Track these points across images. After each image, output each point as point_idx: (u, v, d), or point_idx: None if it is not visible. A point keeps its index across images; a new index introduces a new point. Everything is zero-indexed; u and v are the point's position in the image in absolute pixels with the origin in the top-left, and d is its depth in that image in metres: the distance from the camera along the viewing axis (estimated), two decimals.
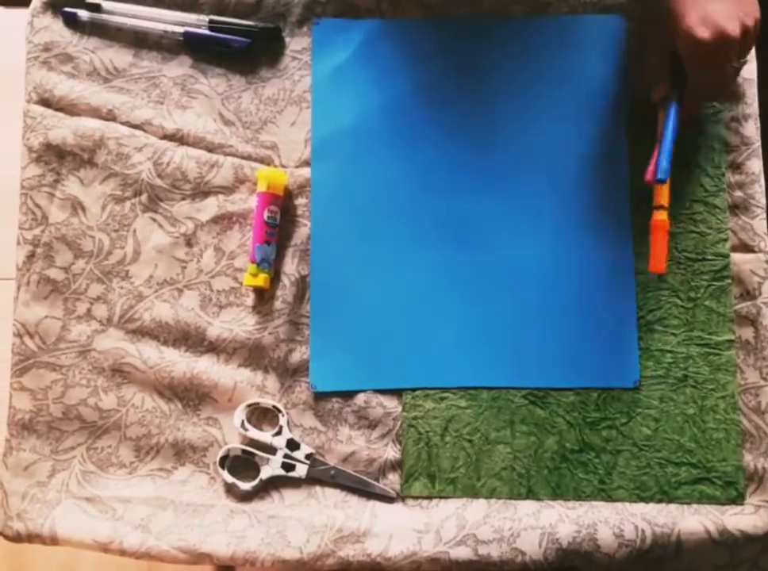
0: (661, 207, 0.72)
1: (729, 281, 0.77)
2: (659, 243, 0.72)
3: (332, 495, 0.76)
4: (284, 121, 0.81)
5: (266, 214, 0.77)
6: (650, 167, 0.73)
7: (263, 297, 0.79)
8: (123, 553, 0.74)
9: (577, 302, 0.78)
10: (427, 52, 0.81)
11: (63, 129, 0.80)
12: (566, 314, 0.77)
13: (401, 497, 0.76)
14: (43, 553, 1.12)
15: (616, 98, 0.80)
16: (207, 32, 0.81)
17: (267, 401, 0.77)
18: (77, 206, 0.80)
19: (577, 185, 0.79)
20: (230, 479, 0.75)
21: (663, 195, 0.72)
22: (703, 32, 0.68)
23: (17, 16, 0.92)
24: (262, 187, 0.77)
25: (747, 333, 0.77)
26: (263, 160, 0.80)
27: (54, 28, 0.82)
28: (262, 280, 0.77)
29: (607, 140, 0.79)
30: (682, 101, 0.74)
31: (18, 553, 1.31)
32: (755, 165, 0.78)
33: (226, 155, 0.80)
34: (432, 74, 0.81)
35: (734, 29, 0.68)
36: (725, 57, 0.70)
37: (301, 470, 0.76)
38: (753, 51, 0.80)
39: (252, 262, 0.77)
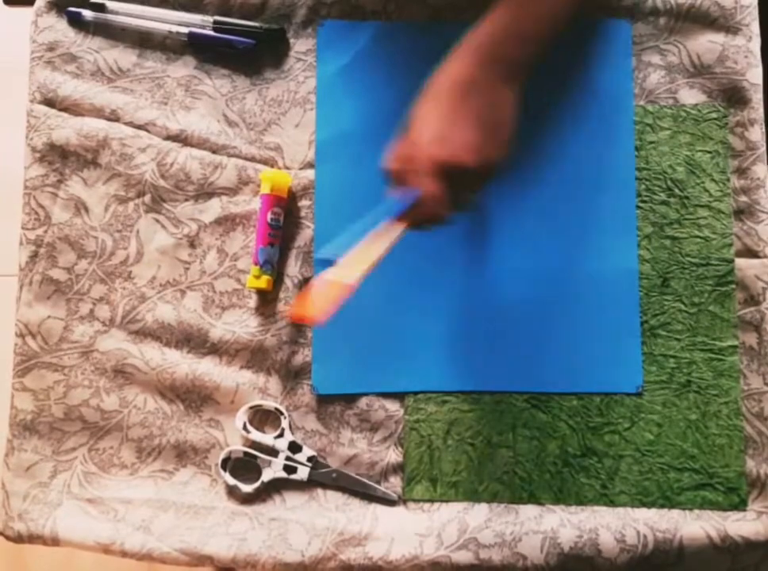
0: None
1: (733, 286, 0.77)
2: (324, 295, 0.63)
3: (334, 498, 0.76)
4: (288, 123, 0.81)
5: (269, 216, 0.77)
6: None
7: (266, 299, 0.78)
8: (124, 554, 0.74)
9: (580, 307, 0.77)
10: (432, 55, 0.80)
11: (67, 129, 0.80)
12: (569, 319, 0.77)
13: (402, 501, 0.76)
14: (42, 552, 1.12)
15: (622, 102, 0.80)
16: (211, 32, 0.81)
17: (270, 403, 0.77)
18: (80, 206, 0.80)
19: (581, 189, 0.79)
20: (232, 481, 0.75)
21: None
22: (436, 151, 0.65)
23: (22, 15, 0.92)
24: (265, 189, 0.77)
25: (751, 339, 0.76)
26: (266, 162, 0.80)
27: (58, 28, 0.82)
28: (264, 282, 0.77)
29: (613, 144, 0.79)
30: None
31: (18, 553, 1.32)
32: (760, 170, 0.78)
33: (230, 156, 0.80)
34: None
35: (471, 160, 0.65)
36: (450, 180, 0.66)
37: (302, 473, 0.76)
38: (758, 55, 0.80)
39: (255, 264, 0.77)
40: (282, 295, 0.78)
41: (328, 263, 0.65)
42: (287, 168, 0.80)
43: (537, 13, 0.70)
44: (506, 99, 0.68)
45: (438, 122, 0.67)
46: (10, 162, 1.09)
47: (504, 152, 0.68)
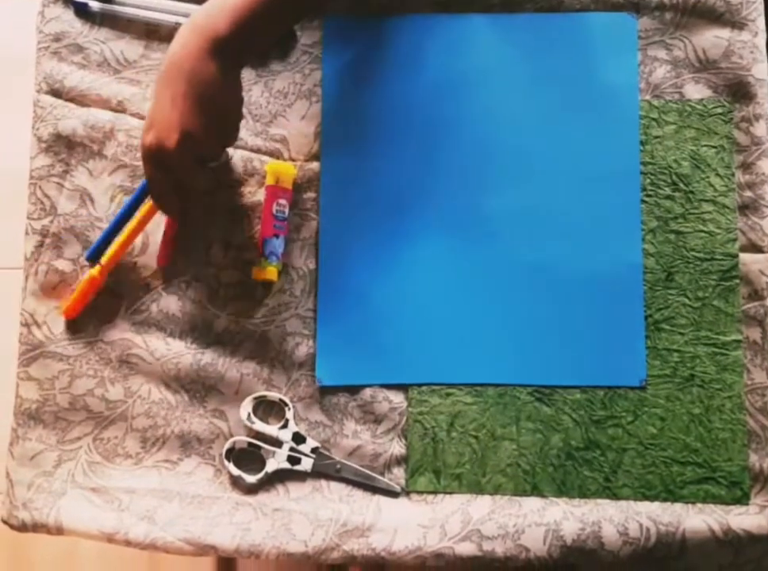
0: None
1: (737, 281, 0.77)
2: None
3: (337, 489, 0.76)
4: (294, 115, 0.81)
5: (274, 207, 0.77)
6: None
7: (271, 290, 0.79)
8: (128, 543, 0.74)
9: (584, 300, 0.78)
10: (437, 48, 0.81)
11: (73, 120, 0.80)
12: (573, 312, 0.77)
13: (406, 492, 0.76)
14: (44, 542, 1.13)
15: (628, 97, 0.80)
16: None
17: (274, 394, 0.77)
18: (85, 197, 0.80)
19: (586, 183, 0.79)
20: (236, 471, 0.76)
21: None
22: (144, 137, 0.69)
23: (28, 5, 0.92)
24: (270, 180, 0.77)
25: (755, 333, 0.77)
26: (272, 153, 0.80)
27: (65, 19, 0.82)
28: (270, 273, 0.77)
29: (617, 137, 0.79)
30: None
31: (19, 542, 1.32)
32: (765, 165, 0.78)
33: (235, 148, 0.80)
34: (442, 69, 0.81)
35: (172, 141, 0.67)
36: (162, 164, 0.69)
37: (306, 464, 0.76)
38: (763, 50, 0.80)
39: (261, 255, 0.77)
40: (287, 286, 0.78)
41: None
42: (293, 160, 0.80)
43: None
44: (213, 76, 0.68)
45: (152, 108, 0.69)
46: (15, 154, 1.09)
47: (222, 128, 0.71)
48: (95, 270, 0.77)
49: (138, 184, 0.79)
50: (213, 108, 0.69)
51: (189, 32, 0.68)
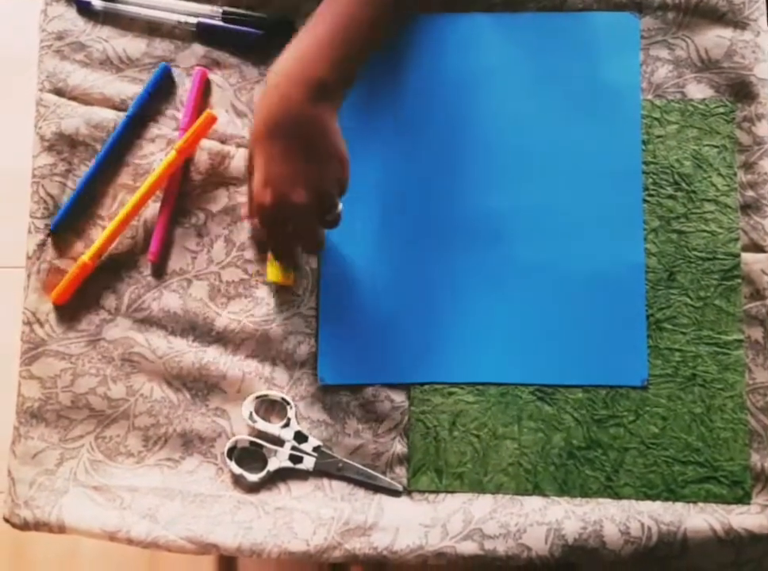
0: None
1: (739, 280, 0.77)
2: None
3: (339, 488, 0.76)
4: None
5: None
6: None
7: (272, 289, 0.79)
8: (130, 542, 0.74)
9: (586, 299, 0.78)
10: (439, 47, 0.81)
11: (76, 118, 0.80)
12: (575, 311, 0.78)
13: (407, 491, 0.76)
14: (45, 541, 1.13)
15: (630, 96, 0.80)
16: (220, 23, 0.81)
17: (276, 393, 0.77)
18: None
19: (588, 183, 0.79)
20: (237, 470, 0.76)
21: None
22: (263, 196, 0.67)
23: (31, 4, 0.92)
24: None
25: (756, 333, 0.77)
26: None
27: (67, 17, 0.82)
28: (287, 278, 0.77)
29: (620, 138, 0.79)
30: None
31: (20, 541, 1.32)
32: (767, 165, 0.78)
33: (238, 146, 0.80)
34: (445, 68, 0.81)
35: (299, 195, 0.66)
36: (288, 220, 0.69)
37: (308, 463, 0.76)
38: (765, 50, 0.80)
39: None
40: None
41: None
42: None
43: (345, 29, 0.68)
44: (322, 124, 0.67)
45: (261, 167, 0.67)
46: (16, 154, 1.09)
47: (338, 174, 0.68)
48: (86, 256, 0.77)
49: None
50: (327, 155, 0.67)
51: (286, 85, 0.66)
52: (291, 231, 0.70)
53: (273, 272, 0.77)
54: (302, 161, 0.66)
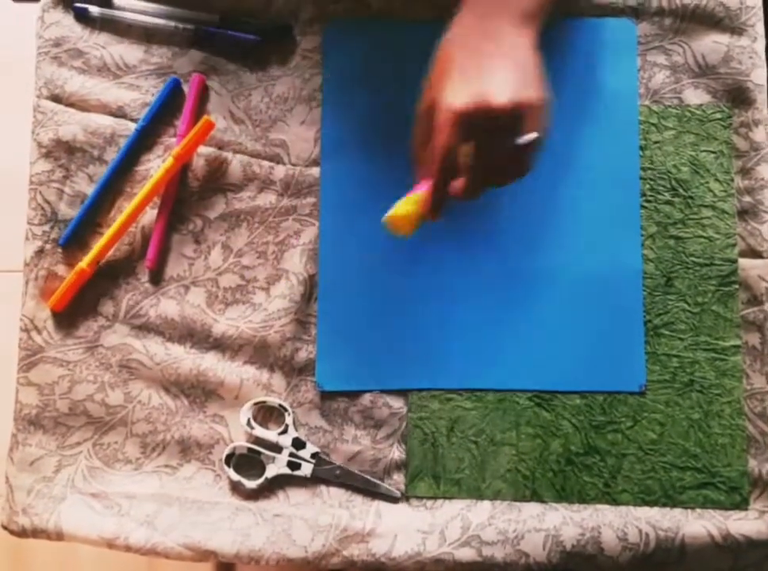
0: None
1: (736, 286, 0.77)
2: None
3: (337, 494, 0.76)
4: (294, 120, 0.81)
5: None
6: None
7: (269, 296, 0.79)
8: (128, 549, 0.74)
9: (584, 305, 0.78)
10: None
11: (74, 125, 0.80)
12: (572, 317, 0.78)
13: (405, 497, 0.76)
14: (43, 547, 1.13)
15: (627, 102, 0.80)
16: (218, 29, 0.81)
17: (273, 400, 0.77)
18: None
19: (585, 188, 0.79)
20: (235, 477, 0.76)
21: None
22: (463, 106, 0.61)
23: (28, 10, 0.92)
24: None
25: (754, 339, 0.77)
26: (272, 158, 0.80)
27: (65, 24, 0.82)
28: (413, 225, 0.69)
29: (617, 144, 0.79)
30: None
31: (19, 547, 1.32)
32: (764, 170, 0.78)
33: (235, 152, 0.80)
34: None
35: (501, 105, 0.60)
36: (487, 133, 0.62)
37: (306, 469, 0.76)
38: (762, 55, 0.80)
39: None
40: (286, 291, 0.78)
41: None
42: (293, 165, 0.80)
43: None
44: (523, 43, 0.65)
45: (456, 74, 0.63)
46: (16, 156, 1.09)
47: (540, 93, 0.63)
48: (84, 263, 0.77)
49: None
50: (532, 72, 0.64)
51: (493, 11, 0.65)
52: (488, 152, 0.64)
53: (404, 214, 0.69)
54: (501, 69, 0.63)
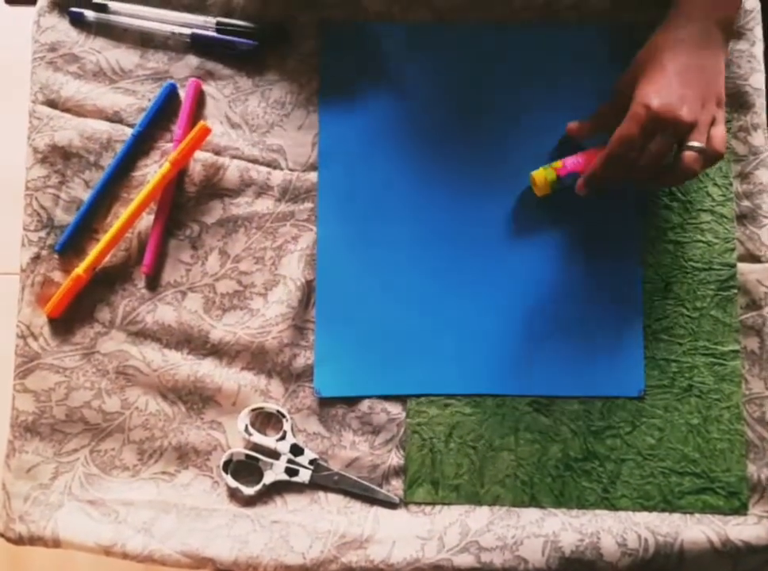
0: None
1: (735, 291, 0.77)
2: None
3: (336, 500, 0.76)
4: (291, 125, 0.80)
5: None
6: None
7: (267, 301, 0.78)
8: (125, 556, 0.74)
9: (583, 310, 0.77)
10: (436, 58, 0.81)
11: (70, 131, 0.80)
12: (571, 322, 0.77)
13: (404, 503, 0.76)
14: (41, 553, 1.12)
15: None
16: (214, 34, 0.81)
17: (271, 406, 0.77)
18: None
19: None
20: (233, 483, 0.75)
21: None
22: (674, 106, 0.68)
23: (24, 15, 0.91)
24: None
25: (753, 343, 0.77)
26: (269, 163, 0.80)
27: (60, 28, 0.82)
28: (548, 188, 0.77)
29: None
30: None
31: (17, 553, 1.31)
32: (763, 175, 0.78)
33: (232, 157, 0.80)
34: (440, 80, 0.80)
35: (687, 114, 0.67)
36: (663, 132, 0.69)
37: (304, 475, 0.76)
38: (761, 59, 0.80)
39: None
40: (284, 297, 0.78)
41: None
42: (290, 170, 0.80)
43: None
44: (721, 60, 0.71)
45: (660, 76, 0.69)
46: (13, 160, 1.09)
47: (722, 113, 0.70)
48: (80, 269, 0.77)
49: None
50: (717, 92, 0.70)
51: (700, 16, 0.71)
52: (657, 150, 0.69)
53: (543, 175, 0.76)
54: (696, 87, 0.69)
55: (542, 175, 0.76)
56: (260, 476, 0.76)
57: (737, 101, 0.79)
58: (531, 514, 0.75)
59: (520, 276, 0.78)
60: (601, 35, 0.80)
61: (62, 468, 0.77)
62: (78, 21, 0.82)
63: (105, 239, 0.77)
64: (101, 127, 0.80)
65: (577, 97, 0.80)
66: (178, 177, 0.79)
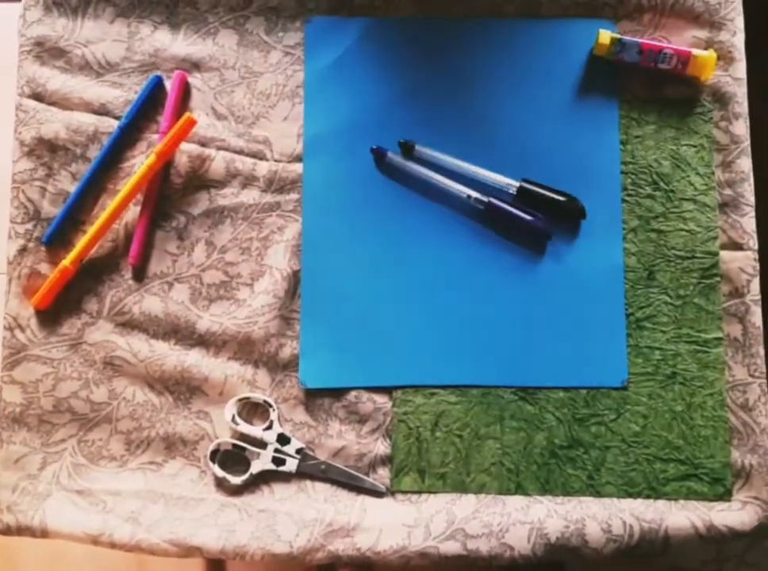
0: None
1: (718, 278, 0.78)
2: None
3: (322, 489, 0.76)
4: (276, 116, 0.81)
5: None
6: None
7: (253, 292, 0.79)
8: (113, 545, 0.74)
9: (566, 300, 0.78)
10: (419, 51, 0.81)
11: (56, 124, 0.80)
12: (555, 312, 0.78)
13: (390, 492, 0.76)
14: (33, 544, 1.12)
15: (606, 101, 0.80)
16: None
17: (258, 396, 0.77)
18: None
19: (567, 183, 0.79)
20: (220, 473, 0.76)
21: None
22: None
23: (9, 9, 0.92)
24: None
25: (735, 330, 0.77)
26: (255, 154, 0.80)
27: (46, 22, 0.82)
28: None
29: (597, 142, 0.80)
30: None
31: (5, 546, 1.31)
32: (745, 163, 0.79)
33: (218, 149, 0.80)
34: (424, 72, 0.81)
35: None
36: None
37: (291, 465, 0.76)
38: (742, 49, 0.81)
39: None
40: (270, 288, 0.78)
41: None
42: (276, 161, 0.80)
43: None
44: None
45: None
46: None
47: None
48: (67, 260, 0.77)
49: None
50: None
51: None
52: None
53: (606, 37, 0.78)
54: None
55: (607, 34, 0.78)
56: (247, 465, 0.76)
57: (719, 91, 0.80)
58: (516, 501, 0.75)
59: (503, 267, 0.79)
60: (585, 27, 0.81)
61: (50, 458, 0.77)
62: (63, 14, 0.82)
63: (91, 230, 0.78)
64: (88, 119, 0.80)
65: (563, 87, 0.80)
66: (164, 168, 0.80)
